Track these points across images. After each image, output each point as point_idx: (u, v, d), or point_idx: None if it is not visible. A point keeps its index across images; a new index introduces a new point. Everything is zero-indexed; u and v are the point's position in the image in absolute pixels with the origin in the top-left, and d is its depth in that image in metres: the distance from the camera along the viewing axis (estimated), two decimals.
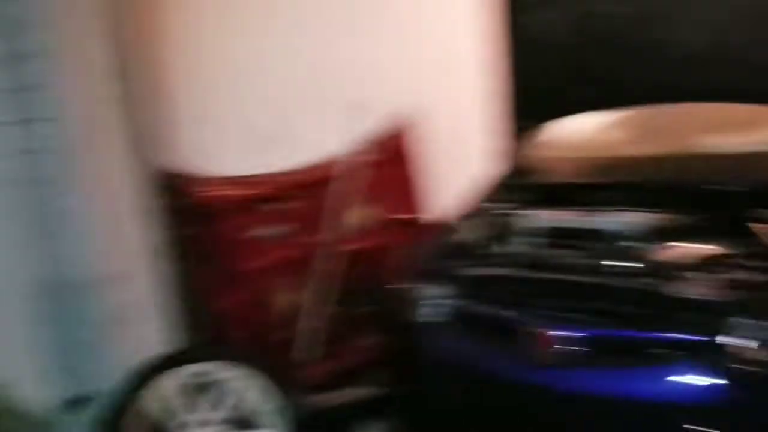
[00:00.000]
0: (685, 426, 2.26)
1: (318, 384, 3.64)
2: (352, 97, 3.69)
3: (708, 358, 2.24)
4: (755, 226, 2.61)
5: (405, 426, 3.08)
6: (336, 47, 3.90)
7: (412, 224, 4.30)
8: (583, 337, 2.40)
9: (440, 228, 3.27)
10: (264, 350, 3.55)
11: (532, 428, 2.54)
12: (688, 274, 2.49)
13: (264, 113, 3.82)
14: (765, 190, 2.75)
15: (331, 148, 3.81)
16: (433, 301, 2.84)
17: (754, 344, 2.20)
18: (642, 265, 2.54)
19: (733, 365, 2.20)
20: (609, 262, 2.61)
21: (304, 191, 3.78)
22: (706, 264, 2.54)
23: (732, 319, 2.25)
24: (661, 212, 2.78)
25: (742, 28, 2.70)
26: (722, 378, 2.21)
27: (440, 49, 4.34)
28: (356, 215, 4.03)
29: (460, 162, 4.24)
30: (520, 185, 3.34)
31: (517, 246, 2.94)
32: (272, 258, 3.72)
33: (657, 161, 3.28)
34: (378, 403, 3.44)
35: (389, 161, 4.11)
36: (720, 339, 2.24)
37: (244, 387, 3.02)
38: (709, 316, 2.30)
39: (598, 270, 2.60)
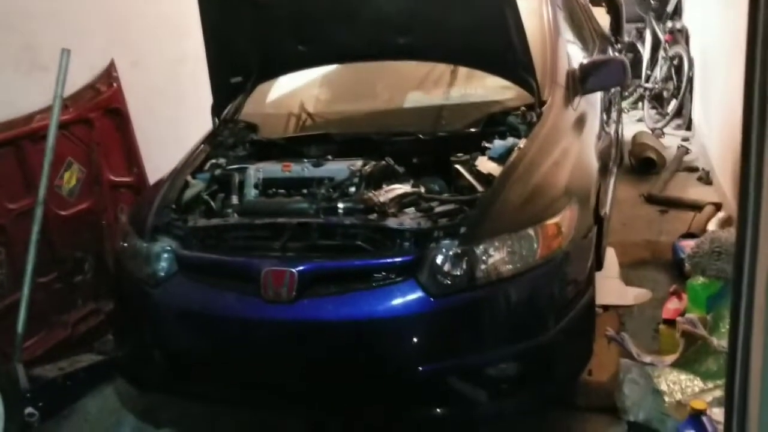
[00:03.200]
0: (404, 335, 2.57)
1: (40, 355, 3.45)
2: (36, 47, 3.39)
3: (418, 275, 2.55)
4: (456, 166, 3.02)
5: (137, 386, 3.06)
6: None
7: (131, 185, 4.17)
8: (312, 270, 2.60)
9: (161, 185, 3.23)
10: None
11: (268, 360, 2.68)
12: (400, 210, 2.81)
13: None
14: (462, 136, 3.17)
15: (21, 104, 3.48)
16: (159, 256, 2.84)
17: (452, 260, 2.55)
18: (361, 205, 2.79)
19: (436, 280, 2.54)
20: (330, 205, 2.81)
21: None
22: (416, 200, 2.88)
23: (436, 242, 2.59)
24: (375, 159, 3.07)
25: None
26: (430, 291, 2.53)
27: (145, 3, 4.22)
28: (67, 176, 3.81)
29: (175, 120, 4.17)
30: (237, 141, 3.44)
31: (240, 197, 3.04)
32: None
33: (366, 115, 3.57)
34: (104, 367, 3.36)
35: (99, 117, 3.93)
36: (427, 259, 2.56)
37: None
38: (418, 240, 2.62)
39: (319, 211, 2.79)
